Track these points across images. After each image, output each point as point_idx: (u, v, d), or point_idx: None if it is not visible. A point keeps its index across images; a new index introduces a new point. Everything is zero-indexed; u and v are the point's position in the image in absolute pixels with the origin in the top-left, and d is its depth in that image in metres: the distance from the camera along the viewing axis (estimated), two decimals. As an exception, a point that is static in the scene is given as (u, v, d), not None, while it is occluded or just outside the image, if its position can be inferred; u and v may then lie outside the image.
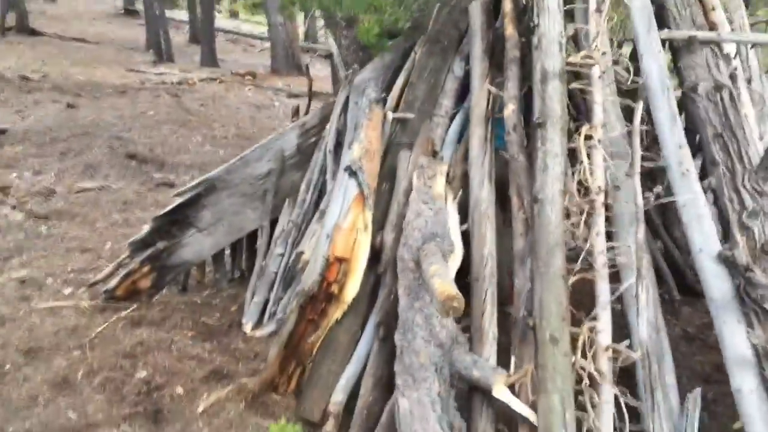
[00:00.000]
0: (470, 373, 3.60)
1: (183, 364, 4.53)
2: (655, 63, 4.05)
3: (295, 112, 5.88)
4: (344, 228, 4.19)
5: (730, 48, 4.32)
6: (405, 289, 3.92)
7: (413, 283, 3.90)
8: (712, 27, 4.40)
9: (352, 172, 4.31)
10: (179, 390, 4.27)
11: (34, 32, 19.78)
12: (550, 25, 4.20)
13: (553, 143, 3.89)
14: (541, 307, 3.55)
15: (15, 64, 14.38)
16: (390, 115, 4.79)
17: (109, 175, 8.21)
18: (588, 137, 3.96)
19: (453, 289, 3.11)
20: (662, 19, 4.40)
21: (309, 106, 6.03)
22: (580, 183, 3.93)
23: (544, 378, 3.38)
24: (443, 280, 3.21)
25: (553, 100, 3.99)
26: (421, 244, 3.95)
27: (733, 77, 4.19)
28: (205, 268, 5.80)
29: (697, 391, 3.57)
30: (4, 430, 3.66)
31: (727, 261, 3.45)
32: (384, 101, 4.87)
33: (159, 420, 3.99)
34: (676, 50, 4.33)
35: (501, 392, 3.50)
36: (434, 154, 4.61)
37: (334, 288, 4.16)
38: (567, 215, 3.85)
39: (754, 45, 4.30)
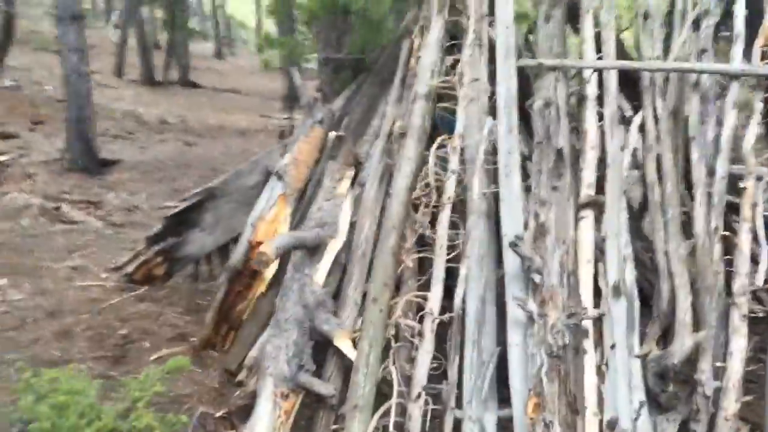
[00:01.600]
0: (322, 328, 4.59)
1: (159, 329, 5.81)
2: (505, 85, 4.87)
3: (281, 134, 7.11)
4: (267, 219, 5.33)
5: (586, 73, 5.01)
6: (293, 264, 4.97)
7: (299, 260, 4.95)
8: (581, 56, 5.11)
9: (279, 176, 5.45)
10: (146, 344, 5.55)
11: (194, 85, 22.59)
12: (426, 57, 5.15)
13: (408, 149, 4.84)
14: (373, 276, 4.49)
15: (161, 110, 16.82)
16: (331, 134, 5.87)
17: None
18: (442, 146, 4.86)
19: (269, 252, 4.16)
20: (530, 49, 5.20)
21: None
22: (437, 181, 4.83)
23: (364, 328, 4.32)
24: (271, 247, 4.25)
25: (415, 115, 4.94)
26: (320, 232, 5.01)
27: (576, 95, 4.90)
28: (212, 261, 7.08)
29: (497, 350, 4.29)
30: (2, 357, 5.07)
31: (514, 245, 4.19)
32: (322, 122, 5.96)
33: (119, 362, 5.25)
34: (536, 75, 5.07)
35: (340, 342, 4.48)
36: (357, 164, 5.63)
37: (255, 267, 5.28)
38: (416, 208, 4.76)
39: (596, 70, 4.94)
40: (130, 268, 6.62)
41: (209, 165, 11.53)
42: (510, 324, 4.13)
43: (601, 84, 5.04)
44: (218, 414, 4.69)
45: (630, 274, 4.49)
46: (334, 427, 4.22)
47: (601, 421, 3.95)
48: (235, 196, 6.68)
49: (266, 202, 5.40)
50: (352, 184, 5.44)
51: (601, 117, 4.87)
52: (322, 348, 4.68)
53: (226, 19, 35.75)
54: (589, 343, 4.13)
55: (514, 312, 4.13)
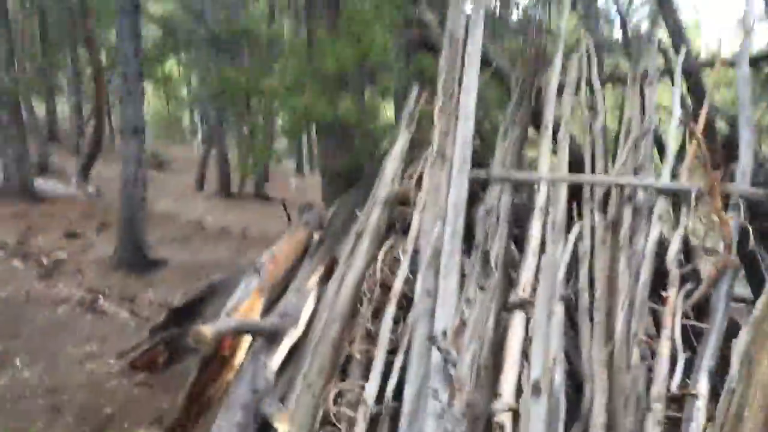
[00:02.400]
0: (265, 411, 4.90)
1: (144, 411, 6.23)
2: (455, 193, 5.24)
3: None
4: (240, 310, 5.76)
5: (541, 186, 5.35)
6: (251, 351, 5.34)
7: (258, 347, 5.33)
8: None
9: (256, 270, 5.92)
10: (125, 425, 5.97)
11: (267, 198, 23.80)
12: (389, 166, 5.62)
13: (361, 247, 5.24)
14: (311, 364, 4.81)
15: (227, 220, 17.84)
16: (315, 236, 6.34)
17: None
18: (393, 246, 5.24)
19: (207, 332, 4.57)
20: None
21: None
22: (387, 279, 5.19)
23: (295, 412, 4.62)
24: (210, 328, 4.66)
25: (372, 218, 5.35)
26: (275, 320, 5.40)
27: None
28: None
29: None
30: None
31: (432, 339, 4.46)
32: (307, 224, 6.44)
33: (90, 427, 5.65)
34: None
35: (278, 424, 4.77)
36: (334, 263, 6.04)
37: (228, 354, 5.68)
38: (361, 301, 5.11)
39: (538, 182, 5.28)
40: (133, 355, 7.11)
41: (243, 266, 12.13)
42: (428, 414, 4.32)
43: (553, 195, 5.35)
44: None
45: (558, 375, 4.61)
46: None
47: None
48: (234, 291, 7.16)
49: (242, 294, 5.83)
50: (326, 280, 5.80)
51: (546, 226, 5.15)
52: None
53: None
54: (504, 439, 4.26)
55: (431, 403, 4.34)
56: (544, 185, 5.35)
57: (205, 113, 25.05)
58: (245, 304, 5.77)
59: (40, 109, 24.62)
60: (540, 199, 5.29)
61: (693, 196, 4.80)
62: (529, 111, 5.91)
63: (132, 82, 10.93)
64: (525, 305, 4.71)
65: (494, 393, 4.42)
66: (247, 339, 5.65)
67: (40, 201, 15.06)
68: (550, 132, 5.69)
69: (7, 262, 11.09)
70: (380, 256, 5.16)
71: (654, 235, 4.79)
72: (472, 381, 4.19)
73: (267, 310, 5.75)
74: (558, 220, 5.19)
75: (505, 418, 4.33)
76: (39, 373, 6.88)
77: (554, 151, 5.63)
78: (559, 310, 4.81)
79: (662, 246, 4.87)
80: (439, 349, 4.37)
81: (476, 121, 5.76)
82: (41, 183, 16.43)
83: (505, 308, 4.66)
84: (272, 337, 5.28)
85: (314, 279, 5.73)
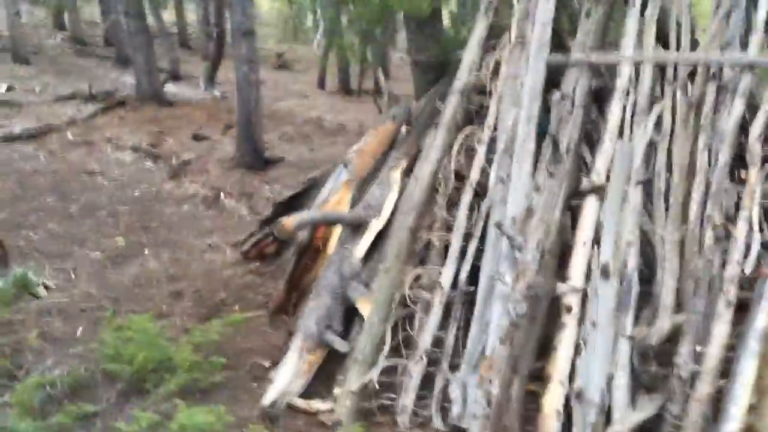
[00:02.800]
0: (350, 294, 5.25)
1: (253, 296, 6.76)
2: (531, 78, 5.21)
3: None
4: (331, 201, 6.08)
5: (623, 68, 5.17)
6: (339, 240, 5.67)
7: (345, 236, 5.64)
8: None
9: (345, 165, 6.17)
10: (236, 308, 6.51)
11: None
12: (467, 56, 5.60)
13: (437, 139, 5.34)
14: (389, 250, 5.07)
15: (345, 117, 18.19)
16: (403, 129, 6.48)
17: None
18: (469, 135, 5.31)
19: (288, 224, 4.89)
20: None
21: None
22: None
23: (375, 295, 4.92)
24: (291, 220, 4.98)
25: (448, 108, 5.42)
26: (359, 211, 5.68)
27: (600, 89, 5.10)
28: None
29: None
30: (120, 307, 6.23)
31: (498, 225, 4.57)
32: (395, 118, 6.56)
33: (206, 317, 6.22)
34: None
35: (361, 306, 5.11)
36: (417, 155, 6.18)
37: (321, 244, 6.05)
38: (436, 189, 5.26)
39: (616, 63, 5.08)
40: (245, 247, 7.66)
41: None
42: (495, 297, 4.50)
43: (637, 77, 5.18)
44: (267, 364, 5.47)
45: (632, 259, 4.63)
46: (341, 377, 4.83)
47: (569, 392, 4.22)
48: (326, 185, 7.48)
49: (332, 187, 6.12)
50: (409, 172, 5.97)
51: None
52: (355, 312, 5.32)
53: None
54: (570, 319, 4.39)
55: (499, 287, 4.50)
56: (626, 66, 5.18)
57: (324, 11, 25.15)
58: (335, 197, 6.07)
59: (171, 16, 25.63)
60: (621, 81, 5.13)
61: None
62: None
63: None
64: (598, 190, 4.69)
65: (561, 277, 4.51)
66: (338, 230, 5.97)
67: (170, 105, 15.90)
68: (637, 9, 5.43)
69: (140, 163, 11.99)
70: (455, 146, 5.23)
71: (736, 112, 4.57)
72: (536, 265, 4.28)
73: (355, 201, 6.02)
74: (640, 102, 5.04)
75: (572, 300, 4.43)
76: (164, 262, 7.55)
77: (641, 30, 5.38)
78: (635, 194, 4.76)
79: (745, 125, 4.65)
80: (504, 234, 4.47)
81: (560, 3, 5.61)
82: (171, 88, 17.31)
83: (577, 194, 4.65)
84: (358, 228, 5.57)
85: (398, 171, 5.90)
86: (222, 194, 10.31)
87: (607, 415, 4.31)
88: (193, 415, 4.00)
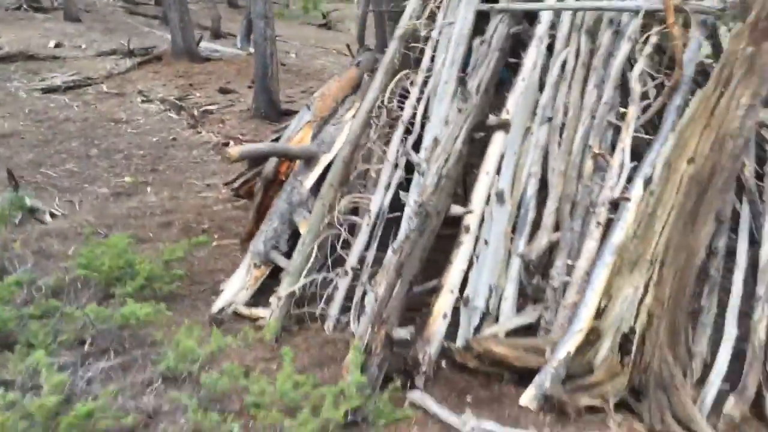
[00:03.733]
0: (294, 219, 5.96)
1: (234, 227, 7.54)
2: (459, 25, 5.77)
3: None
4: (294, 139, 6.77)
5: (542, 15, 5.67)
6: (293, 172, 6.37)
7: (298, 169, 6.34)
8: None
9: (308, 107, 6.85)
10: (215, 236, 7.30)
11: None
12: (409, 6, 6.18)
13: (376, 81, 5.97)
14: (326, 180, 5.75)
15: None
16: (366, 75, 7.09)
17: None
18: (405, 78, 5.92)
19: (233, 152, 5.61)
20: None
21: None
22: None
23: (310, 219, 5.62)
24: (235, 150, 5.70)
25: (387, 53, 6.03)
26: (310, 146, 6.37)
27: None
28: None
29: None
30: (110, 233, 7.08)
31: (407, 153, 5.19)
32: (359, 64, 7.17)
33: (189, 236, 7.01)
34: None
35: (302, 229, 5.82)
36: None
37: (283, 178, 6.76)
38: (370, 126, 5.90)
39: (532, 11, 5.57)
40: (235, 185, 8.44)
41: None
42: (405, 216, 5.15)
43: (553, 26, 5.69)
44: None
45: (531, 188, 5.21)
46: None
47: (458, 299, 4.86)
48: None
49: (294, 126, 6.81)
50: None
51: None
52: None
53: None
54: (467, 237, 5.01)
55: (407, 207, 5.15)
56: (545, 14, 5.68)
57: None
58: (297, 135, 6.76)
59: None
60: (540, 27, 5.64)
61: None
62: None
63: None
64: (504, 126, 5.26)
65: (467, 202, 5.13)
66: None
67: (203, 61, 16.73)
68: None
69: (164, 114, 12.89)
70: (389, 87, 5.85)
71: (620, 55, 5.06)
72: (432, 188, 4.89)
73: (314, 139, 6.69)
74: (556, 47, 5.54)
75: (471, 221, 5.05)
76: (162, 198, 8.41)
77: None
78: (541, 131, 5.31)
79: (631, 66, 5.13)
80: (413, 161, 5.11)
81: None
82: (207, 45, 18.13)
83: (482, 128, 5.23)
84: (310, 161, 6.25)
85: (351, 113, 6.54)
86: (232, 141, 11.09)
87: (496, 322, 4.94)
88: (135, 309, 4.78)
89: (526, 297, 5.05)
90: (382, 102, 5.84)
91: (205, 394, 4.22)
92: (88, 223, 7.27)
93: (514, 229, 5.18)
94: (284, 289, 5.32)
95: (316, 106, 6.82)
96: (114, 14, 24.84)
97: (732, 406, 4.16)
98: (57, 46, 18.48)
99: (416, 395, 4.32)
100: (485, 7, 5.78)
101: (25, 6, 23.76)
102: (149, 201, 8.30)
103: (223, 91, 14.68)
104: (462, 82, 5.25)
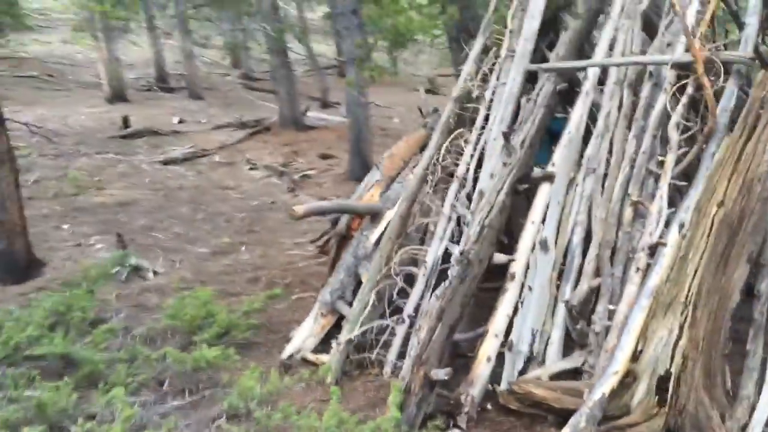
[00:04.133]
0: (360, 272, 6.38)
1: (315, 282, 8.03)
2: (509, 85, 6.10)
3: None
4: (365, 197, 7.24)
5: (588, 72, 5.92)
6: (361, 228, 6.80)
7: (365, 225, 6.77)
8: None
9: (377, 167, 7.32)
10: (296, 290, 7.79)
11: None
12: (465, 69, 6.57)
13: (432, 140, 6.36)
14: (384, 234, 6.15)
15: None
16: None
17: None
18: (460, 136, 6.29)
19: (297, 210, 6.10)
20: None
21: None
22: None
23: (371, 266, 6.02)
24: (301, 208, 6.19)
25: (444, 114, 6.42)
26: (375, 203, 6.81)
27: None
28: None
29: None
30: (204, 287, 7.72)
31: (453, 206, 5.51)
32: (426, 126, 7.57)
33: (270, 297, 7.55)
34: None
35: (363, 280, 6.22)
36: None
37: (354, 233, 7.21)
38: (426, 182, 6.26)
39: (579, 69, 5.81)
40: (319, 243, 8.97)
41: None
42: (453, 265, 5.44)
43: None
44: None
45: (577, 236, 5.39)
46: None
47: (503, 343, 5.08)
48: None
49: (365, 186, 7.27)
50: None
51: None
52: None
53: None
54: (512, 284, 5.25)
55: (454, 256, 5.45)
56: (592, 71, 5.92)
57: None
58: (368, 194, 7.21)
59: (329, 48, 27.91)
60: (587, 83, 5.88)
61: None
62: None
63: (347, 18, 12.65)
64: (548, 177, 5.50)
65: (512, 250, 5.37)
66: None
67: (308, 129, 17.72)
68: (614, 18, 6.14)
69: (267, 180, 13.77)
70: (444, 145, 6.22)
71: (658, 106, 5.21)
72: (475, 237, 5.17)
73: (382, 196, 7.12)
74: (601, 101, 5.77)
75: (516, 269, 5.29)
76: (254, 256, 9.05)
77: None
78: (587, 181, 5.52)
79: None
80: (458, 213, 5.43)
81: (551, 21, 6.44)
82: (315, 114, 19.18)
83: (527, 180, 5.48)
84: (375, 217, 6.67)
85: (417, 170, 6.94)
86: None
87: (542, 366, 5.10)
88: (206, 353, 5.29)
89: (573, 342, 5.17)
90: (437, 159, 6.19)
91: (259, 429, 4.61)
92: (184, 279, 7.94)
93: (561, 277, 5.34)
94: (344, 335, 5.67)
95: (385, 166, 7.26)
96: (233, 90, 26.61)
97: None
98: (180, 122, 20.05)
99: (456, 434, 4.53)
100: (534, 67, 6.07)
101: (155, 87, 25.91)
102: (242, 258, 8.95)
103: (324, 156, 15.49)
104: (506, 137, 5.54)
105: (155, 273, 8.20)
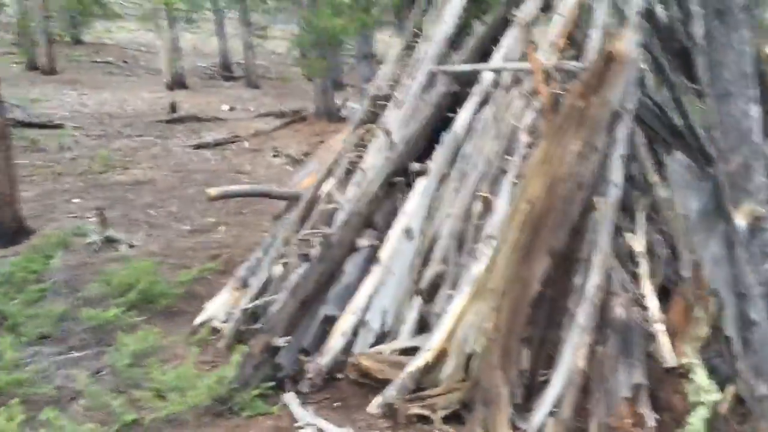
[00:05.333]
0: (271, 251, 7.00)
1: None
2: (414, 86, 6.56)
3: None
4: (303, 184, 7.85)
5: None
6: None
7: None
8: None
9: (315, 161, 7.91)
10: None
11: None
12: (383, 69, 7.06)
13: (345, 133, 6.89)
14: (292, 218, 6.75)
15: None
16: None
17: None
18: (368, 132, 6.81)
19: (211, 192, 6.77)
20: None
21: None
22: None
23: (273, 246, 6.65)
24: (214, 190, 6.85)
25: (358, 112, 6.94)
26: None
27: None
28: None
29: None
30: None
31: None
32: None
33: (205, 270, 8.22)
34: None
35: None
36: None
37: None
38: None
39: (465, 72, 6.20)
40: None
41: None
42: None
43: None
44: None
45: (446, 227, 5.84)
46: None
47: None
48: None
49: (303, 175, 7.87)
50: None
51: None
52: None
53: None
54: (377, 268, 5.76)
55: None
56: (487, 75, 6.32)
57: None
58: (305, 181, 7.82)
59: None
60: (477, 87, 6.28)
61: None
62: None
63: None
64: (423, 172, 5.97)
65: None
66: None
67: (341, 121, 18.38)
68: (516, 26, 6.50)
69: (284, 167, 14.50)
70: (350, 140, 6.75)
71: (514, 108, 5.60)
72: (342, 223, 5.71)
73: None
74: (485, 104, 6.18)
75: (383, 254, 5.79)
76: (228, 236, 9.79)
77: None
78: (462, 178, 5.95)
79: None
80: (333, 203, 5.98)
81: (466, 25, 6.87)
82: (350, 107, 19.83)
83: (401, 174, 5.97)
84: (294, 202, 7.25)
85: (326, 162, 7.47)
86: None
87: (396, 344, 5.60)
88: (105, 313, 6.05)
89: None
90: (346, 152, 6.73)
91: (119, 380, 5.31)
92: (151, 252, 8.75)
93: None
94: (240, 306, 6.31)
95: (321, 156, 7.84)
96: (294, 81, 27.58)
97: (540, 423, 4.50)
98: (230, 109, 21.12)
99: (287, 396, 5.09)
100: (434, 69, 6.52)
101: (216, 75, 27.18)
102: (215, 237, 9.70)
103: (345, 146, 16.10)
104: (387, 133, 6.03)
105: (131, 246, 9.03)
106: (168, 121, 18.51)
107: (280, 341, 5.18)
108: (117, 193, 12.00)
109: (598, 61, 4.67)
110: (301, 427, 4.71)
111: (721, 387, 4.72)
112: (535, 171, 4.80)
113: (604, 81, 4.62)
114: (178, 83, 23.36)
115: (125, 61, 28.59)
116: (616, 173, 4.79)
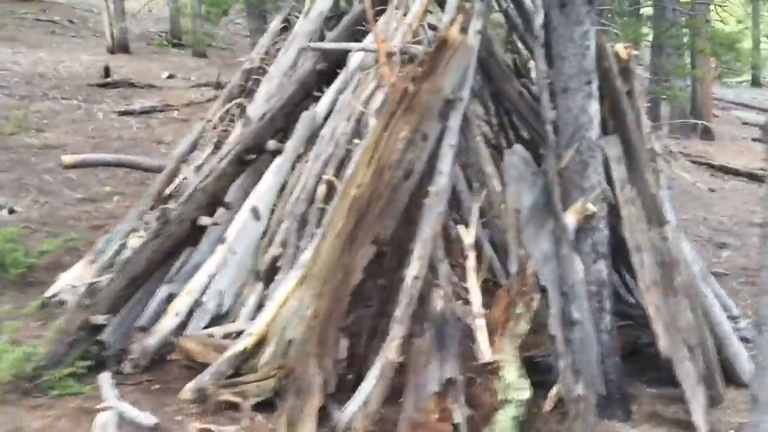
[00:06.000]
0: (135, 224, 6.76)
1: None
2: (282, 62, 6.34)
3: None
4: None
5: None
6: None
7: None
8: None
9: (197, 130, 7.66)
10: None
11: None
12: (260, 43, 6.83)
13: (216, 108, 6.66)
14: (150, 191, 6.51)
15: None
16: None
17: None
18: (237, 106, 6.58)
19: (66, 159, 6.50)
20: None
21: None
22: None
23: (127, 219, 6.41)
24: (69, 157, 6.59)
25: (229, 85, 6.71)
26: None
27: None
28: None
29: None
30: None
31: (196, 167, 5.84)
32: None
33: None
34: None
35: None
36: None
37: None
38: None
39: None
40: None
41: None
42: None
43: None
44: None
45: (298, 209, 5.65)
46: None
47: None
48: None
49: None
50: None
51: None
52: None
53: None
54: (220, 247, 5.57)
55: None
56: (356, 55, 6.13)
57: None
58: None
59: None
60: (346, 68, 6.09)
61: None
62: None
63: None
64: (277, 152, 5.77)
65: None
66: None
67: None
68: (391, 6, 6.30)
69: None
70: (218, 113, 6.53)
71: (366, 92, 5.43)
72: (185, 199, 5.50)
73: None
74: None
75: (228, 233, 5.60)
76: (117, 206, 9.44)
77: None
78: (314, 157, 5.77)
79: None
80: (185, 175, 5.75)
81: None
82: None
83: (257, 152, 5.76)
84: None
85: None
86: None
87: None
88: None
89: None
90: (213, 126, 6.51)
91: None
92: (27, 219, 8.44)
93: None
94: (89, 279, 6.08)
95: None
96: (246, 51, 26.98)
97: (352, 414, 4.34)
98: (169, 77, 20.57)
99: (102, 376, 4.88)
100: (303, 46, 6.31)
101: (164, 41, 26.52)
102: (105, 207, 9.38)
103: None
104: (242, 109, 5.82)
105: (11, 211, 8.70)
106: (100, 85, 17.95)
107: (101, 319, 4.96)
108: (21, 156, 11.55)
109: (432, 47, 4.50)
110: (102, 410, 4.50)
111: (549, 386, 4.66)
112: (364, 156, 4.63)
113: (436, 67, 4.45)
114: (120, 47, 22.70)
115: (71, 21, 27.71)
116: (445, 162, 4.61)
